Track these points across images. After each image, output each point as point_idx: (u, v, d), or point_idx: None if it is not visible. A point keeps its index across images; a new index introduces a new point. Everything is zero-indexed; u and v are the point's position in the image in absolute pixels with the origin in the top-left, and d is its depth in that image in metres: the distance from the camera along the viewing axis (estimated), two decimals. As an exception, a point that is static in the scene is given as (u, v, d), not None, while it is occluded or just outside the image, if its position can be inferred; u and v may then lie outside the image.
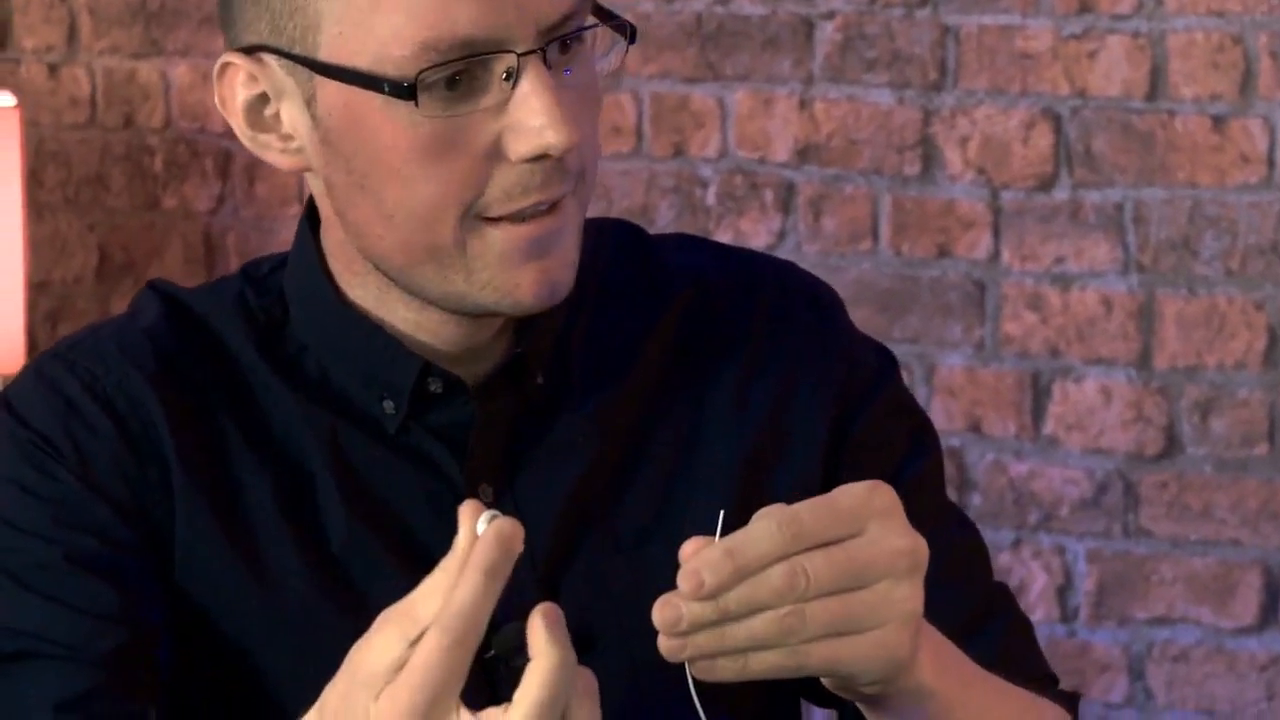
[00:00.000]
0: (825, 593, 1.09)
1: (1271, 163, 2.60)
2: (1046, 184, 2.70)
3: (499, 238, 1.24)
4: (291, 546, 1.29)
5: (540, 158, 1.22)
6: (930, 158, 2.74)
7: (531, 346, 1.32)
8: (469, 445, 1.31)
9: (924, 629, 1.16)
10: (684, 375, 1.38)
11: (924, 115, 2.74)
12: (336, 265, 1.30)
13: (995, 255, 2.71)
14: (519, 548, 1.02)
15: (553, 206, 1.26)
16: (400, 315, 1.29)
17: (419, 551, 1.30)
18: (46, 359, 1.34)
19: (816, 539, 1.09)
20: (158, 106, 3.14)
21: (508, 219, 1.24)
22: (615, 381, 1.37)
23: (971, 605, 1.37)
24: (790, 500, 1.13)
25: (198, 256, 3.12)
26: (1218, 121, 2.61)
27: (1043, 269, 2.68)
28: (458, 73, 1.22)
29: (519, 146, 1.22)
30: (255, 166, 3.05)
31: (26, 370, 1.35)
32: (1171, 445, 2.66)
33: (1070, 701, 1.39)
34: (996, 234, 2.71)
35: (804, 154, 2.77)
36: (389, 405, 1.30)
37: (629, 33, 1.27)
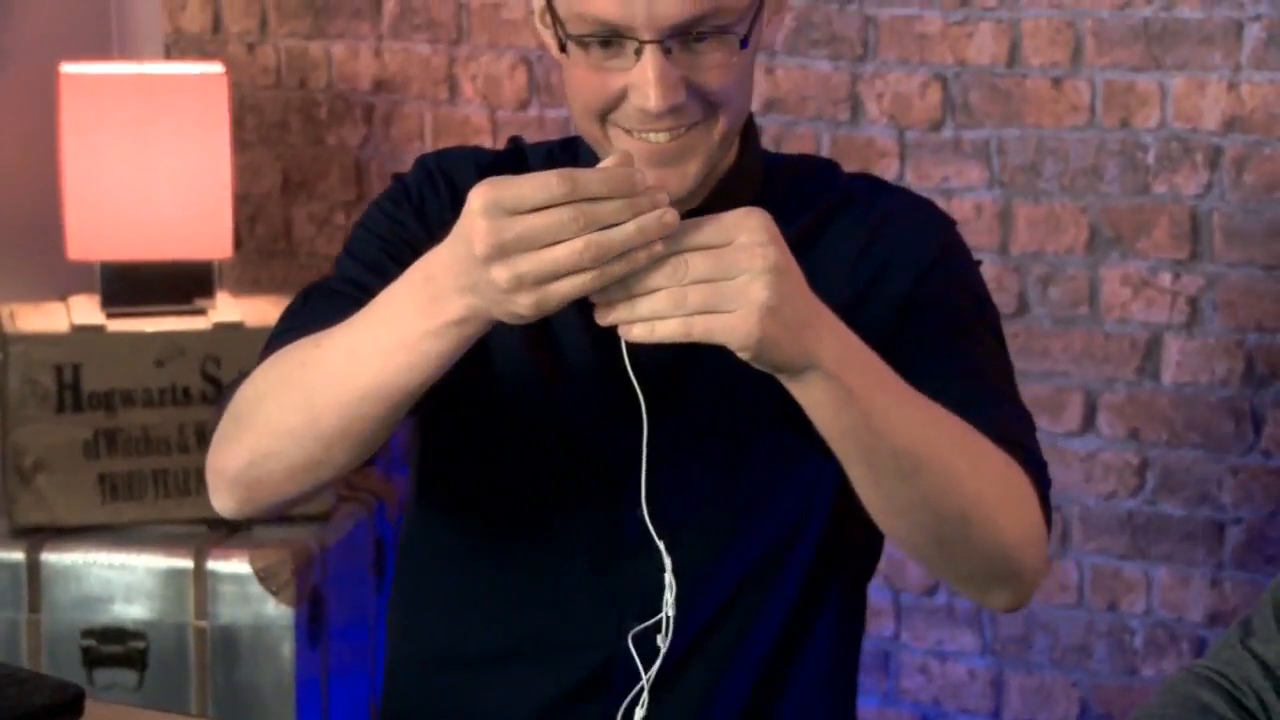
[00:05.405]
0: (700, 280, 1.21)
1: (1093, 110, 2.70)
2: (936, 126, 2.81)
3: (626, 141, 1.42)
4: None
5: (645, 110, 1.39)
6: (856, 109, 2.85)
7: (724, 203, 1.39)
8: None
9: (837, 333, 1.26)
10: (827, 239, 1.53)
11: (851, 79, 2.86)
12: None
13: (900, 176, 2.85)
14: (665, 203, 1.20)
15: (684, 132, 1.41)
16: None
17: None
18: (431, 156, 1.59)
19: (699, 245, 1.22)
20: (323, 73, 3.22)
21: (636, 132, 1.43)
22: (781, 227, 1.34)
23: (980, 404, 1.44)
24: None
25: (351, 179, 3.22)
26: (1055, 82, 2.73)
27: (934, 185, 2.82)
28: (604, 40, 1.39)
29: (633, 97, 1.40)
30: (390, 114, 3.15)
31: (418, 159, 1.61)
32: (1021, 306, 2.80)
33: (1036, 471, 1.40)
34: (903, 160, 2.85)
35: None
36: None
37: (740, 41, 1.40)
